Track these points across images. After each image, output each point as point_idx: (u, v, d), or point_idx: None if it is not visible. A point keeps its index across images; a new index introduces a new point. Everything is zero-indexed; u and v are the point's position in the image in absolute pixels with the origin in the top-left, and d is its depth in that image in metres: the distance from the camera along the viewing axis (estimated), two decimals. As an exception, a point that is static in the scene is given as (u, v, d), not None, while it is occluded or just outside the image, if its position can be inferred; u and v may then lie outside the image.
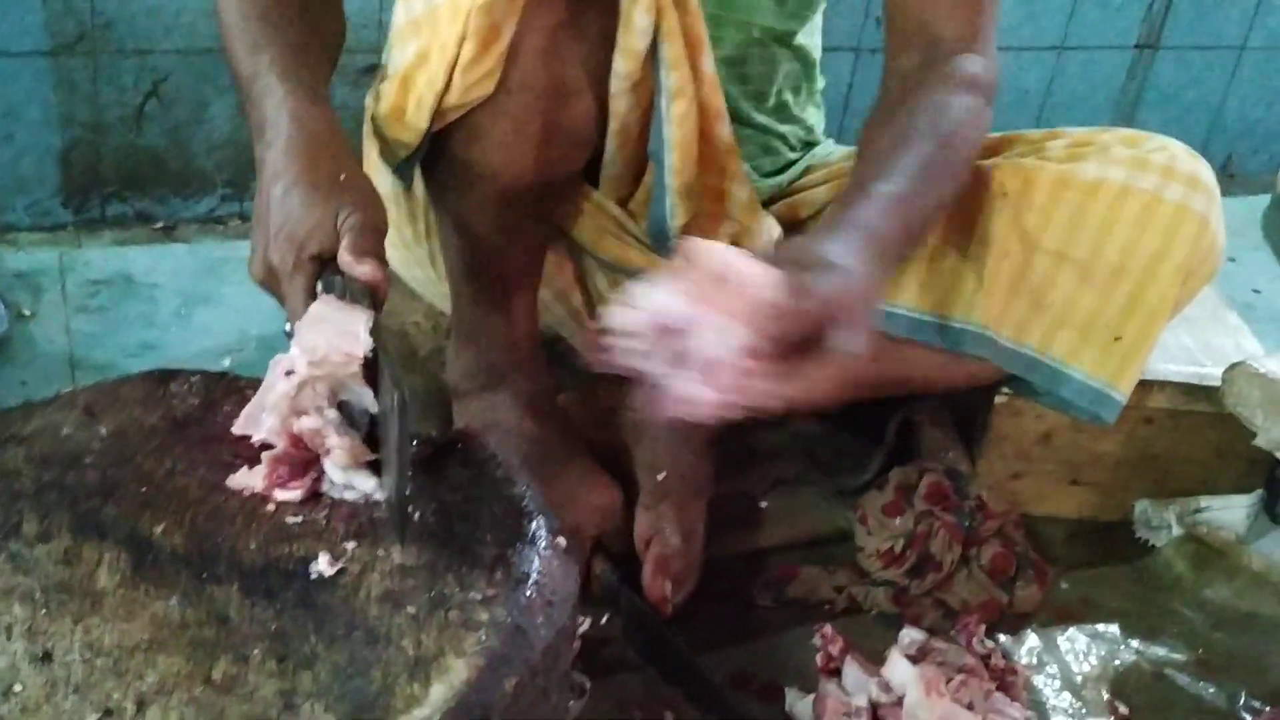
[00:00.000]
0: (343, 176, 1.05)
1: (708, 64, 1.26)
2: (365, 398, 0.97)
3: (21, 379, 1.61)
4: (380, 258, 1.01)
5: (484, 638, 0.84)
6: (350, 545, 0.90)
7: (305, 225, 1.01)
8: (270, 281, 1.04)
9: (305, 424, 0.94)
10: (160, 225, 2.08)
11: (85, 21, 1.93)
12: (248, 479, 0.94)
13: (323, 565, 0.88)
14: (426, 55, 1.17)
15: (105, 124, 2.01)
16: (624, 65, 1.22)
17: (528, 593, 0.88)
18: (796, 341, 0.93)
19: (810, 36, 1.52)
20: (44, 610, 0.83)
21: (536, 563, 0.90)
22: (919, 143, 1.20)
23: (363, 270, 0.99)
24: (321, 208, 1.02)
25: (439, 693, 0.80)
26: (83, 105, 1.98)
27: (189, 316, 1.77)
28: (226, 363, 1.62)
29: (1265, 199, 2.53)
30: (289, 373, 0.95)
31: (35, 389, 1.55)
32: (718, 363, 0.91)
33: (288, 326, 1.00)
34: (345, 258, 1.00)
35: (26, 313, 1.74)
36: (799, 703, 1.25)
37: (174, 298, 1.80)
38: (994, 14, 1.32)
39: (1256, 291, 2.19)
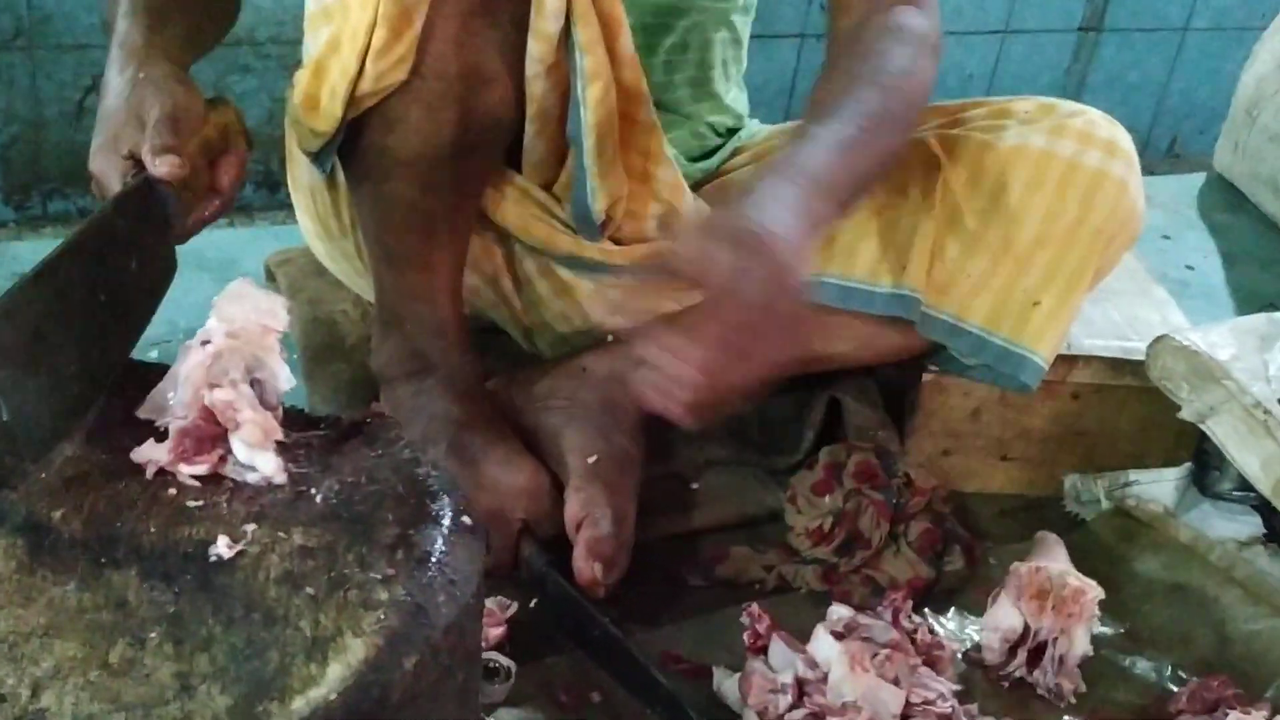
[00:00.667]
0: (144, 75, 1.09)
1: (625, 45, 1.26)
2: (280, 376, 0.96)
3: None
4: (179, 151, 1.05)
5: (383, 617, 0.83)
6: (250, 528, 0.89)
7: (114, 126, 1.07)
8: (98, 190, 1.09)
9: (218, 396, 0.93)
10: (102, 221, 2.07)
11: (22, 17, 1.92)
12: (152, 452, 0.94)
13: (221, 548, 0.87)
14: (338, 42, 1.17)
15: (45, 120, 2.00)
16: (538, 49, 1.22)
17: (429, 572, 0.87)
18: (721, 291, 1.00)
19: (745, 14, 1.52)
20: (-62, 598, 0.83)
21: (439, 542, 0.90)
22: (862, 89, 1.21)
23: (160, 170, 1.03)
24: (126, 108, 1.07)
25: (336, 672, 0.80)
26: (22, 101, 1.97)
27: (117, 309, 1.76)
28: (154, 354, 1.61)
29: (1198, 178, 2.55)
30: (205, 342, 0.95)
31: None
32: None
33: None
34: (146, 158, 1.04)
35: (-45, 306, 1.73)
36: (726, 681, 1.25)
37: (103, 290, 1.79)
38: None
39: (1190, 268, 2.20)
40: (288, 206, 2.17)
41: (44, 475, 0.92)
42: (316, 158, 1.27)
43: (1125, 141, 1.37)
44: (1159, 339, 1.44)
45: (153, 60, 1.11)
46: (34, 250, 1.89)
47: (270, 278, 1.68)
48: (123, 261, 1.03)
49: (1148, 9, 2.67)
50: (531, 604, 1.31)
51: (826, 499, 1.42)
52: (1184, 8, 2.70)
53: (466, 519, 0.93)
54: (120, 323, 1.03)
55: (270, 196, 2.20)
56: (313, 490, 0.93)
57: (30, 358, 0.91)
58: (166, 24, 1.16)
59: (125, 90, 1.08)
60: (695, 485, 1.50)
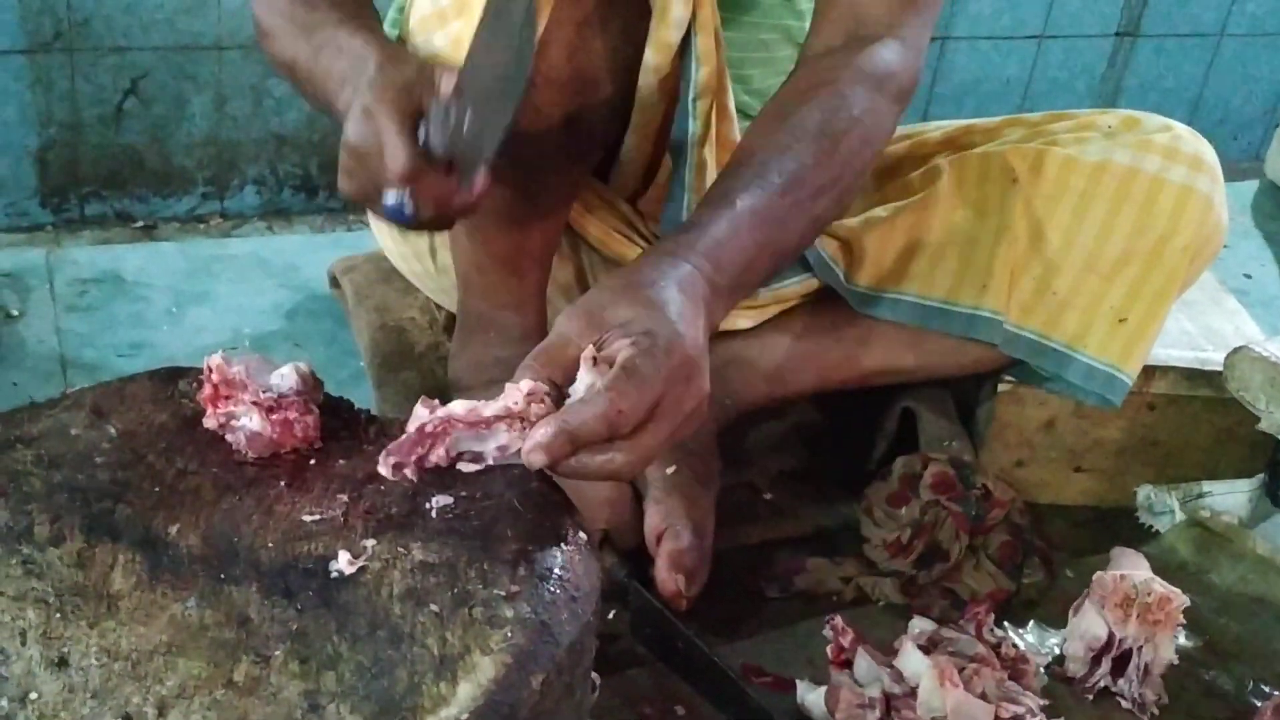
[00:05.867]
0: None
1: (723, 63, 1.25)
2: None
3: (13, 380, 1.58)
4: None
5: (510, 635, 0.82)
6: (369, 543, 0.88)
7: (403, 74, 1.02)
8: (366, 157, 1.02)
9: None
10: (140, 224, 2.06)
11: (62, 19, 1.91)
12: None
13: (342, 563, 0.86)
14: (459, 44, 1.16)
15: (83, 123, 1.98)
16: (655, 58, 1.20)
17: (551, 588, 0.86)
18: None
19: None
20: (58, 614, 0.81)
21: (559, 558, 0.89)
22: (803, 145, 1.12)
23: None
24: (413, 63, 1.04)
25: (466, 691, 0.79)
26: (60, 104, 1.96)
27: (181, 315, 1.75)
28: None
29: (1250, 185, 2.55)
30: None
31: (26, 389, 1.53)
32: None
33: (390, 198, 1.00)
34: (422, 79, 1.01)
35: (14, 313, 1.72)
36: (810, 694, 1.24)
37: (165, 296, 1.78)
38: (927, 7, 1.24)
39: (1248, 276, 2.20)
40: (326, 210, 2.17)
41: (156, 489, 0.90)
42: None
43: (1210, 156, 1.36)
44: (1237, 350, 1.43)
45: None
46: (91, 256, 1.88)
47: (335, 284, 1.67)
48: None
49: (1183, 15, 2.67)
50: (610, 615, 1.29)
51: (903, 510, 1.40)
52: (1219, 14, 2.70)
53: (582, 534, 0.92)
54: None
55: (308, 201, 2.19)
56: (427, 504, 0.91)
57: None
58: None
59: (391, 62, 1.05)
60: (768, 496, 1.48)
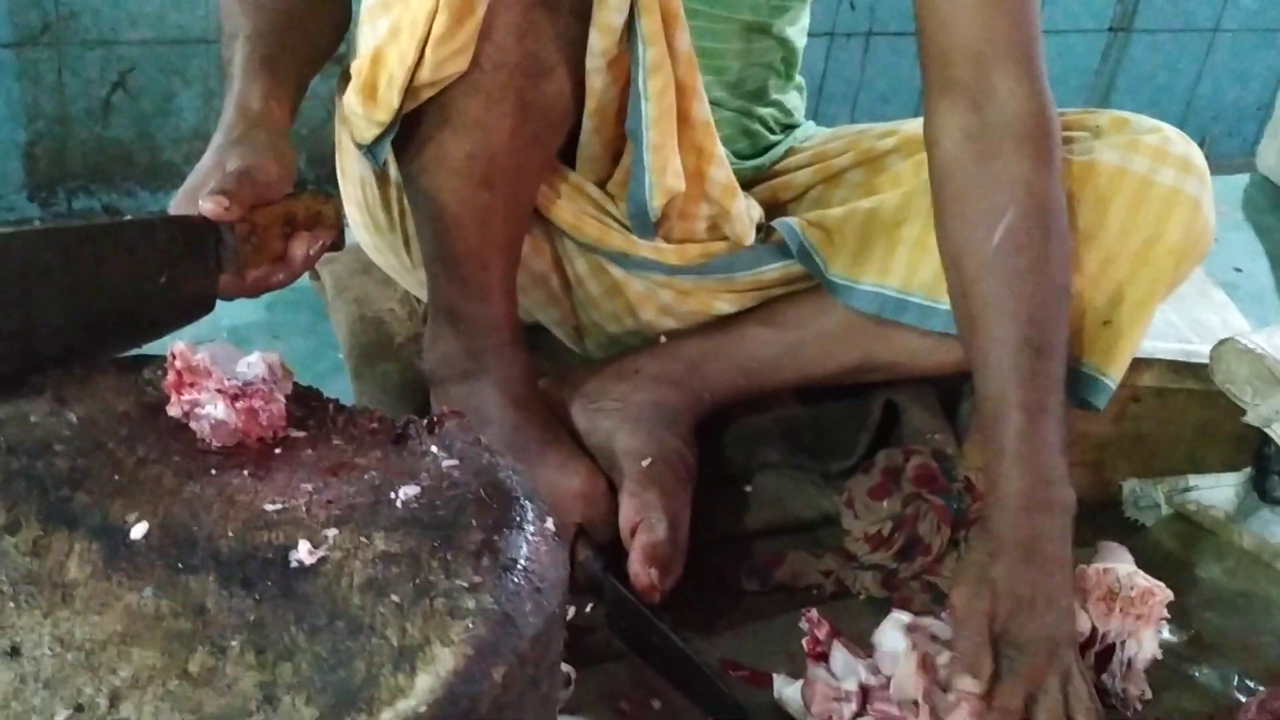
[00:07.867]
0: (243, 135, 1.13)
1: (683, 41, 1.24)
2: None
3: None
4: (241, 201, 1.06)
5: (471, 626, 0.81)
6: (330, 533, 0.87)
7: (200, 176, 1.10)
8: None
9: None
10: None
11: (49, 12, 1.90)
12: None
13: (302, 553, 0.85)
14: (398, 31, 1.15)
15: (71, 116, 1.98)
16: (600, 41, 1.19)
17: (515, 579, 0.85)
18: None
19: (794, 25, 1.49)
20: (11, 603, 0.80)
21: (524, 548, 0.88)
22: (1027, 301, 1.20)
23: (204, 205, 1.04)
24: (214, 161, 1.10)
25: (425, 683, 0.77)
26: (48, 97, 1.95)
27: (158, 308, 1.74)
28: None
29: (1242, 178, 2.54)
30: None
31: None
32: None
33: None
34: (201, 195, 1.05)
35: (-7, 305, 1.71)
36: (787, 688, 1.23)
37: (142, 289, 1.78)
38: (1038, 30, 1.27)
39: (1238, 270, 2.19)
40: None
41: (116, 477, 0.89)
42: (371, 150, 1.24)
43: (1198, 159, 1.34)
44: (1223, 342, 1.42)
45: (261, 126, 1.14)
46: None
47: (314, 276, 1.66)
48: (150, 267, 1.04)
49: (1178, 9, 2.66)
50: (588, 608, 1.28)
51: (884, 503, 1.39)
52: (1214, 8, 2.69)
53: (550, 525, 0.91)
54: (120, 316, 1.04)
55: (296, 195, 2.18)
56: (392, 494, 0.90)
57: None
58: (283, 77, 1.19)
59: (223, 146, 1.12)
60: (748, 488, 1.47)
